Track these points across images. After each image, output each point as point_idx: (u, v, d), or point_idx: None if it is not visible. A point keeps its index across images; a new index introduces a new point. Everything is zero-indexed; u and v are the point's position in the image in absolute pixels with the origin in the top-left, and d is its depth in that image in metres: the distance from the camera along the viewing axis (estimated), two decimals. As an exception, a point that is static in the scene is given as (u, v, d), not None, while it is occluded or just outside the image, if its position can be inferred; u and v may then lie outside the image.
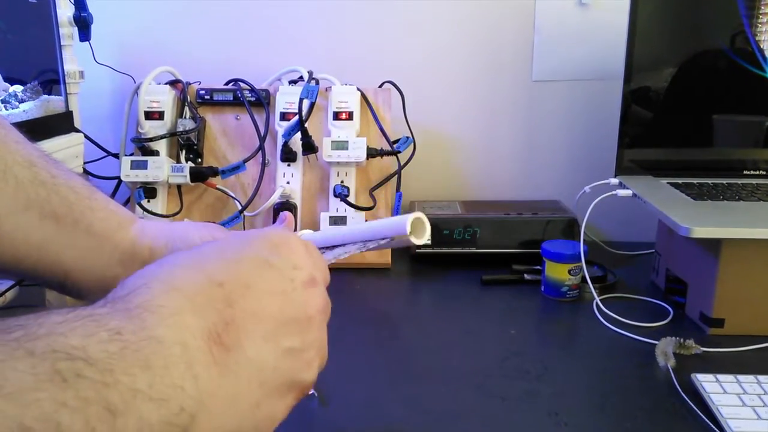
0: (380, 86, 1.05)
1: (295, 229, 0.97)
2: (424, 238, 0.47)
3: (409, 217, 0.46)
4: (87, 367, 0.25)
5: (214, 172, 0.97)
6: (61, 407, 0.24)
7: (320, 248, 0.54)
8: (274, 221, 0.97)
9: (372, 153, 0.98)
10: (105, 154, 1.06)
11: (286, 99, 1.00)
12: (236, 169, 0.97)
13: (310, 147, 0.96)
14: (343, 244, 0.52)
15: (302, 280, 0.37)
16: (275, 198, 0.98)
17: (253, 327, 0.33)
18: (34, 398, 0.24)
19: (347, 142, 0.97)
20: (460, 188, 1.18)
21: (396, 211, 1.00)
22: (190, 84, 1.03)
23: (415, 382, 0.67)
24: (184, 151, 0.99)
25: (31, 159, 0.49)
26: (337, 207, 0.98)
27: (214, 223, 0.76)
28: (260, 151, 1.00)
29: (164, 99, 0.99)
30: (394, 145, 0.99)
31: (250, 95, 1.02)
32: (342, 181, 0.99)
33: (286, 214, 0.56)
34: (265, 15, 1.12)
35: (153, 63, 1.02)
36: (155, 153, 0.97)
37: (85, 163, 0.97)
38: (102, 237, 0.51)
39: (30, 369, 0.24)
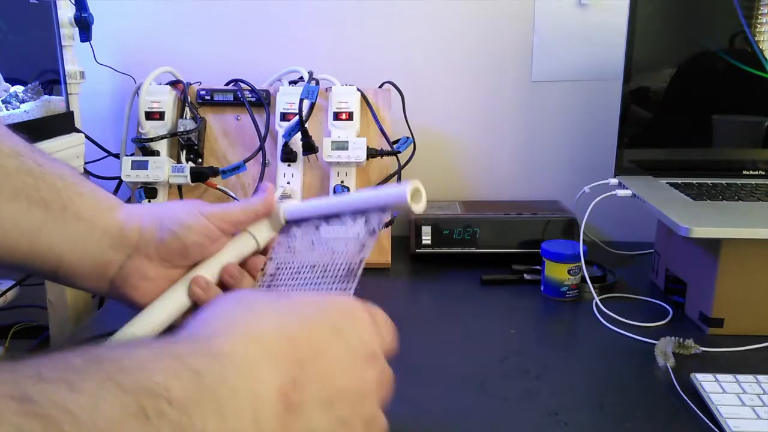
0: (380, 86, 1.05)
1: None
2: (421, 205, 0.48)
3: (409, 186, 0.47)
4: (168, 406, 0.27)
5: (214, 172, 0.98)
6: None
7: (314, 217, 0.54)
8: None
9: (372, 153, 0.98)
10: (106, 154, 1.06)
11: (287, 99, 1.01)
12: (237, 169, 0.98)
13: (310, 147, 0.96)
14: (338, 215, 0.52)
15: (364, 354, 0.38)
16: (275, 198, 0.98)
17: (317, 391, 0.34)
18: None
19: (347, 142, 0.97)
20: (460, 188, 1.18)
21: (396, 211, 1.00)
22: (190, 84, 1.03)
23: (415, 382, 0.67)
24: (184, 152, 0.99)
25: (17, 149, 0.49)
26: (337, 207, 0.98)
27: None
28: (260, 152, 1.00)
29: (165, 99, 0.99)
30: (394, 146, 1.00)
31: (250, 96, 1.02)
32: (342, 182, 0.99)
33: (268, 185, 0.56)
34: (266, 15, 1.13)
35: (153, 63, 1.03)
36: (156, 153, 0.98)
37: (85, 163, 0.97)
38: (91, 222, 0.51)
39: (118, 402, 0.25)
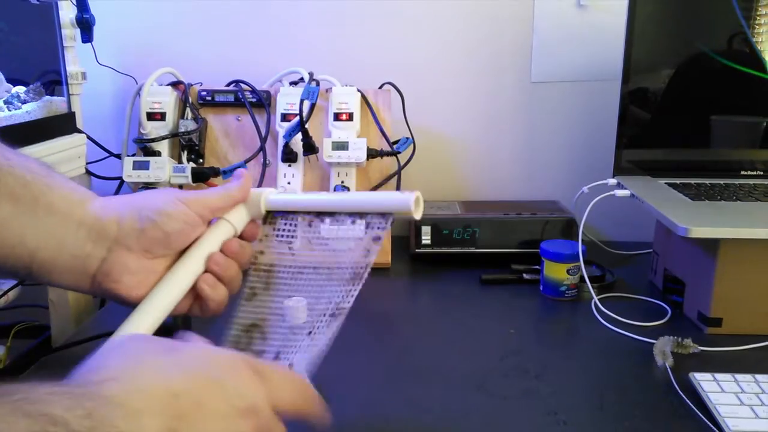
0: (380, 87, 1.06)
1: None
2: (420, 212, 0.50)
3: (413, 194, 0.49)
4: None
5: (215, 172, 0.98)
6: None
7: (303, 212, 0.54)
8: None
9: (372, 153, 0.98)
10: (107, 154, 1.06)
11: (287, 100, 1.01)
12: (237, 169, 0.98)
13: (310, 148, 0.97)
14: (334, 214, 0.52)
15: (242, 407, 0.39)
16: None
17: None
18: None
19: (347, 142, 0.97)
20: (460, 188, 1.19)
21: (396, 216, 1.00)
22: (191, 85, 1.03)
23: (415, 382, 0.67)
24: (185, 152, 1.00)
25: None
26: (337, 207, 0.98)
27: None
28: (261, 152, 1.00)
29: (166, 100, 1.00)
30: (394, 146, 1.00)
31: (251, 96, 1.02)
32: (342, 182, 0.99)
33: (242, 171, 0.57)
34: (266, 16, 1.13)
35: (155, 64, 1.03)
36: (157, 153, 0.98)
37: (87, 163, 0.97)
38: (64, 214, 0.50)
39: (25, 424, 0.30)
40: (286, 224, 0.56)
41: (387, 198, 0.50)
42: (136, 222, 0.51)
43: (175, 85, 1.03)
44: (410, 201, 0.48)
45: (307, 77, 0.99)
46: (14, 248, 0.49)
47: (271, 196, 0.56)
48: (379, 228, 0.50)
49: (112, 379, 0.35)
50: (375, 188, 1.00)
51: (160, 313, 0.52)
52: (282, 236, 0.55)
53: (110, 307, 0.88)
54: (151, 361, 0.38)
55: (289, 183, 1.00)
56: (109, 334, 0.50)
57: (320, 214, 0.54)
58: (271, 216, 0.57)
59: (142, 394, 0.35)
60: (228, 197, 0.55)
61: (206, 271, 0.54)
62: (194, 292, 0.54)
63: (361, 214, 0.51)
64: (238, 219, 0.56)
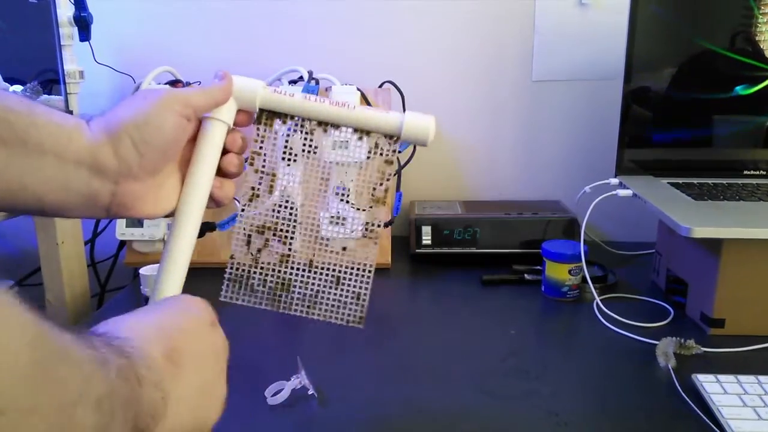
0: (380, 86, 1.05)
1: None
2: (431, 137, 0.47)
3: (431, 121, 0.46)
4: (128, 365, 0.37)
5: (214, 172, 0.97)
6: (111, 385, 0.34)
7: (302, 117, 0.52)
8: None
9: (372, 153, 0.98)
10: (105, 154, 1.06)
11: (286, 99, 1.00)
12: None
13: (309, 147, 0.96)
14: (337, 126, 0.49)
15: (208, 321, 0.48)
16: (275, 197, 0.98)
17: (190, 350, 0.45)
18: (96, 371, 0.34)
19: (347, 141, 0.96)
20: (460, 188, 1.18)
21: (396, 210, 0.99)
22: (189, 84, 1.03)
23: (415, 382, 0.67)
24: (184, 151, 0.99)
25: None
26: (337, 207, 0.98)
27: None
28: (260, 151, 0.99)
29: (164, 99, 0.99)
30: (394, 145, 0.99)
31: (250, 95, 1.02)
32: (342, 181, 0.99)
33: (224, 72, 0.55)
34: (265, 15, 1.12)
35: (153, 63, 1.02)
36: (155, 153, 0.97)
37: (85, 163, 0.97)
38: (57, 154, 0.48)
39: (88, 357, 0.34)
40: (283, 128, 0.52)
41: (400, 119, 0.46)
42: (130, 148, 0.49)
43: (173, 83, 1.02)
44: (429, 128, 0.45)
45: (306, 76, 0.99)
46: (19, 193, 0.47)
47: (265, 93, 0.53)
48: (388, 150, 0.46)
49: (116, 323, 0.42)
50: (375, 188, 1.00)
51: (186, 259, 0.54)
52: (279, 140, 0.52)
53: (107, 308, 0.88)
54: (142, 314, 0.46)
55: (288, 182, 0.99)
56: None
57: (322, 124, 0.50)
58: (266, 116, 0.54)
59: (139, 331, 0.42)
60: (211, 98, 0.54)
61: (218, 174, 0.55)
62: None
63: (367, 132, 0.48)
64: (228, 114, 0.54)
